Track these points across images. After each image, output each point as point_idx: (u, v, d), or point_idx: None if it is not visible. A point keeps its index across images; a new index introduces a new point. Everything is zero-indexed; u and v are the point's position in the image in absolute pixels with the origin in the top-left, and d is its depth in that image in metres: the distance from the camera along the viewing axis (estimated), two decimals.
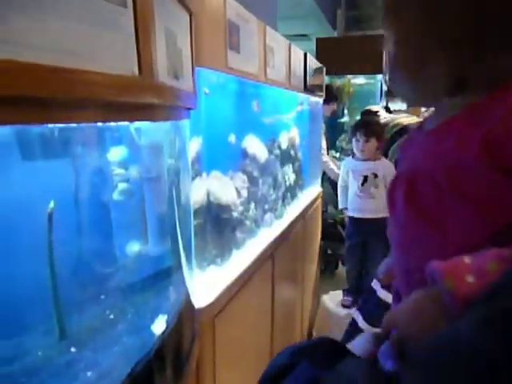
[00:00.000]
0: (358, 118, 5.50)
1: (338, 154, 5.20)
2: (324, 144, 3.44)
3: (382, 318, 0.55)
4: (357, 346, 0.58)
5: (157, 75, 0.62)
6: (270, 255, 1.67)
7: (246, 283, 1.40)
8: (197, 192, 1.15)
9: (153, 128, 0.76)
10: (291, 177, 2.13)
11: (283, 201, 2.02)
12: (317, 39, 4.96)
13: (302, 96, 2.35)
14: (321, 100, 2.95)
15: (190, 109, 0.90)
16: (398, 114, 4.31)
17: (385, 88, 6.00)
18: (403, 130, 2.76)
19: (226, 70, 1.19)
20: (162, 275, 0.95)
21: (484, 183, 0.50)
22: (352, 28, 7.42)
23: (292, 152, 2.18)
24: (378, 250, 2.31)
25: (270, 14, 3.20)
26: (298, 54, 2.07)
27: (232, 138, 1.43)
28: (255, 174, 1.67)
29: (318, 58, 3.22)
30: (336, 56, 4.78)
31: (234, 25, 1.23)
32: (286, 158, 2.09)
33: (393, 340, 0.51)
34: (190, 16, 0.89)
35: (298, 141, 2.27)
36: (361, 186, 2.42)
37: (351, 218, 2.58)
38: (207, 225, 1.25)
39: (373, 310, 1.54)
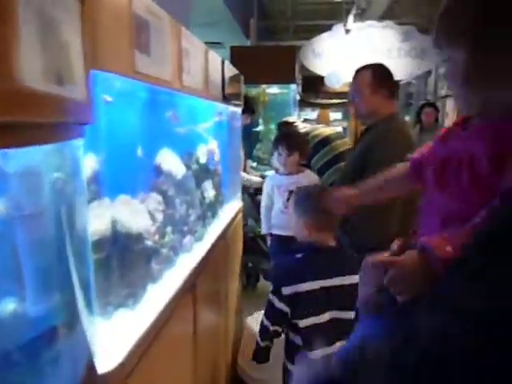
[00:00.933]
0: (273, 127, 5.52)
1: (255, 164, 5.13)
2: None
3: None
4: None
5: (21, 79, 0.41)
6: (191, 285, 1.47)
7: (164, 325, 1.19)
8: (97, 221, 0.92)
9: (26, 151, 0.54)
10: (211, 193, 1.95)
11: (203, 220, 1.83)
12: (231, 47, 4.86)
13: (221, 106, 2.19)
14: (239, 110, 2.81)
15: (84, 123, 0.69)
16: (311, 123, 4.36)
17: (298, 97, 6.10)
18: (325, 139, 2.72)
19: (133, 75, 0.98)
20: (49, 340, 0.71)
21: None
22: (264, 38, 7.46)
23: (211, 166, 2.00)
24: None
25: (184, 17, 3.01)
26: (215, 60, 1.90)
27: (142, 154, 1.22)
28: (171, 192, 1.47)
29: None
30: (250, 65, 4.70)
31: (142, 21, 1.03)
32: (204, 172, 1.91)
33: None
34: (82, 2, 0.67)
35: (217, 153, 2.10)
36: (286, 201, 2.30)
37: (275, 236, 2.45)
38: (112, 260, 1.03)
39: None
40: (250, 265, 3.80)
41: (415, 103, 8.82)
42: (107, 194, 0.95)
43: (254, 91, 5.23)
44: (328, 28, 6.42)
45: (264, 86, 5.36)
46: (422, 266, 0.74)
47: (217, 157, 2.09)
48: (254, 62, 4.74)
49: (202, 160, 1.84)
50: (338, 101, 8.97)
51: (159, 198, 1.36)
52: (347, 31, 6.45)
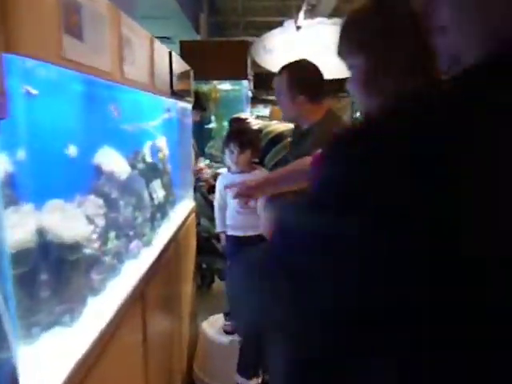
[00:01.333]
0: (225, 123, 5.41)
1: (207, 161, 5.01)
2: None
3: None
4: None
5: None
6: (139, 294, 1.36)
7: (109, 340, 1.07)
8: (17, 231, 0.79)
9: None
10: (160, 193, 1.83)
11: (152, 223, 1.71)
12: (181, 42, 4.70)
13: (169, 101, 2.07)
14: (189, 106, 2.69)
15: None
16: (264, 119, 4.27)
17: (250, 94, 6.04)
18: (278, 136, 2.65)
19: (61, 63, 0.86)
20: None
21: None
22: (215, 34, 7.34)
23: (160, 164, 1.88)
24: None
25: (127, 7, 2.84)
26: (161, 51, 1.78)
27: (75, 154, 1.09)
28: (114, 194, 1.34)
29: None
30: (201, 60, 4.58)
31: (72, 0, 0.90)
32: (152, 171, 1.79)
33: None
34: None
35: (166, 151, 1.98)
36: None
37: (231, 237, 2.35)
38: (40, 274, 0.90)
39: None
40: (204, 266, 3.70)
41: None
42: (32, 199, 0.82)
43: (205, 87, 5.11)
44: (279, 25, 6.39)
45: (215, 82, 5.25)
46: None
47: (165, 154, 1.97)
48: (204, 57, 4.62)
49: (149, 158, 1.72)
50: None
51: (99, 201, 1.24)
52: (298, 28, 6.45)
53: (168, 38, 6.15)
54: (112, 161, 1.33)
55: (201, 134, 5.14)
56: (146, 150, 1.71)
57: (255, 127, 2.95)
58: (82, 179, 1.20)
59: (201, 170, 3.48)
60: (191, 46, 4.83)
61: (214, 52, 4.82)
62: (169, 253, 1.79)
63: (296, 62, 1.90)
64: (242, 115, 3.40)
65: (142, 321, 1.40)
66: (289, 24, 6.56)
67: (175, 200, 2.17)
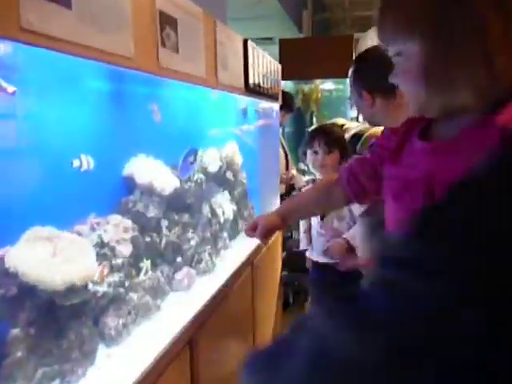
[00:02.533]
0: None
1: (306, 167, 4.67)
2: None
3: None
4: None
5: None
6: (186, 342, 1.07)
7: None
8: None
9: None
10: (228, 208, 1.54)
11: (215, 245, 1.43)
12: (280, 40, 4.44)
13: (245, 99, 1.78)
14: (276, 105, 2.37)
15: None
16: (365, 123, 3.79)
17: None
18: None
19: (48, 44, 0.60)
20: None
21: None
22: (319, 32, 6.98)
23: (229, 174, 1.59)
24: None
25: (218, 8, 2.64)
26: (231, 37, 1.49)
27: (87, 162, 0.84)
28: (152, 213, 1.07)
29: (281, 61, 2.68)
30: (302, 59, 4.27)
31: None
32: (216, 183, 1.51)
33: None
34: None
35: (238, 158, 1.69)
36: (320, 220, 1.81)
37: (314, 263, 1.94)
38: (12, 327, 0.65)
39: None
40: (296, 283, 3.35)
41: None
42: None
43: (306, 87, 4.78)
44: None
45: (318, 81, 4.89)
46: None
47: (238, 162, 1.68)
48: (305, 55, 4.31)
49: (212, 167, 1.44)
50: None
51: (126, 222, 0.97)
52: None
53: (269, 39, 5.94)
54: (151, 171, 1.07)
55: (298, 139, 4.82)
56: (207, 158, 1.43)
57: (355, 130, 2.54)
58: (99, 194, 0.94)
59: (293, 177, 3.14)
60: (291, 44, 4.54)
61: (317, 50, 4.48)
62: (239, 282, 1.48)
63: (361, 56, 1.51)
64: (339, 120, 2.96)
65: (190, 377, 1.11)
66: None
67: (252, 215, 1.86)
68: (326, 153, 1.73)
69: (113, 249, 0.93)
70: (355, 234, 1.65)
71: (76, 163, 0.87)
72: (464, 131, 0.64)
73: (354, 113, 5.35)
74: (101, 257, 0.90)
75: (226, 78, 1.38)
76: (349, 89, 5.15)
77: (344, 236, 1.70)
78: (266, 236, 1.05)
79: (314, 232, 1.84)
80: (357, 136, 2.45)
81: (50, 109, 0.83)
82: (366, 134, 2.39)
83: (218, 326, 1.30)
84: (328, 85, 5.06)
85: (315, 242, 1.84)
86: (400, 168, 0.76)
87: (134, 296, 0.97)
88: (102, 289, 0.88)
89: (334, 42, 4.88)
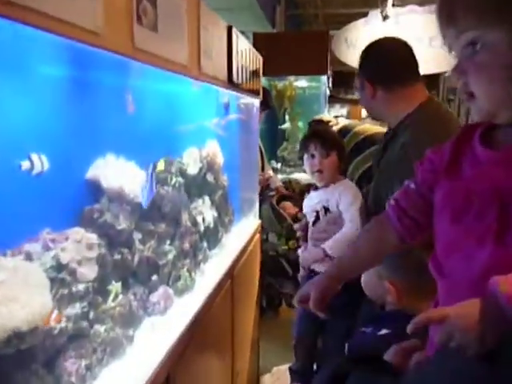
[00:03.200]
0: (300, 124, 4.90)
1: (279, 165, 4.53)
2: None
3: None
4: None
5: None
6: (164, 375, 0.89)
7: None
8: None
9: None
10: (208, 215, 1.37)
11: (194, 258, 1.25)
12: (254, 34, 4.28)
13: (226, 93, 1.60)
14: (256, 101, 2.21)
15: None
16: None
17: (328, 92, 5.47)
18: (368, 140, 2.08)
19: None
20: None
21: None
22: (292, 28, 6.87)
23: (209, 177, 1.42)
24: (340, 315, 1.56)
25: None
26: (215, 23, 1.31)
27: (41, 163, 0.65)
28: (123, 224, 0.89)
29: None
30: (275, 54, 4.12)
31: None
32: (196, 187, 1.33)
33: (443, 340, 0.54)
34: None
35: (219, 158, 1.51)
36: (312, 225, 1.67)
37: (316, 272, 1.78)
38: None
39: None
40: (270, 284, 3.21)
41: (456, 99, 7.98)
42: None
43: (280, 84, 4.65)
44: (362, 17, 5.75)
45: (291, 78, 4.77)
46: (486, 308, 0.52)
47: (219, 163, 1.51)
48: (279, 51, 4.16)
49: (192, 169, 1.26)
50: None
51: (91, 237, 0.79)
52: (385, 17, 5.76)
53: (242, 33, 5.77)
54: (120, 174, 0.88)
55: (271, 136, 4.68)
56: (187, 159, 1.24)
57: (338, 126, 2.41)
58: (55, 203, 0.75)
59: (270, 178, 2.99)
60: (265, 38, 4.38)
61: (291, 45, 4.35)
62: (220, 297, 1.31)
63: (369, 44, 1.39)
64: (325, 117, 2.84)
65: None
66: (374, 14, 5.90)
67: (232, 220, 1.69)
68: (324, 156, 1.60)
69: (73, 272, 0.74)
70: (334, 244, 1.56)
71: (25, 165, 0.68)
72: None
73: (328, 111, 5.26)
74: (57, 284, 0.71)
75: (209, 67, 1.20)
76: (323, 86, 4.99)
77: (322, 246, 1.59)
78: (322, 305, 0.87)
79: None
80: (343, 130, 2.31)
81: None
82: (354, 130, 2.26)
83: (197, 355, 1.13)
84: (302, 82, 4.96)
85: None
86: (459, 182, 0.66)
87: (100, 329, 0.79)
88: (58, 325, 0.69)
89: (309, 38, 4.78)
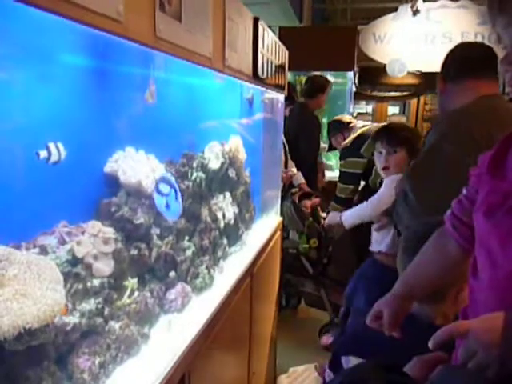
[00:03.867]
0: (325, 120, 4.82)
1: None
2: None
3: None
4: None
5: None
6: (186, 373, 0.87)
7: None
8: None
9: None
10: (229, 212, 1.34)
11: (213, 255, 1.23)
12: (280, 28, 4.23)
13: (250, 88, 1.57)
14: (281, 97, 2.16)
15: None
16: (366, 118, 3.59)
17: (354, 89, 5.37)
18: None
19: None
20: None
21: None
22: (319, 23, 6.78)
23: (231, 173, 1.39)
24: None
25: None
26: (241, 14, 1.27)
27: (58, 152, 0.63)
28: (141, 219, 0.87)
29: None
30: (302, 49, 4.05)
31: None
32: (218, 183, 1.30)
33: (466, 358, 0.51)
34: None
35: (242, 155, 1.48)
36: None
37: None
38: None
39: None
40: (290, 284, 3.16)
41: None
42: None
43: (305, 79, 4.58)
44: (391, 12, 5.61)
45: (317, 73, 4.71)
46: (510, 322, 0.48)
47: (241, 159, 1.47)
48: (306, 46, 4.11)
49: (214, 164, 1.23)
50: (398, 94, 8.09)
51: (108, 230, 0.77)
52: (415, 12, 5.62)
53: (269, 27, 5.71)
54: (140, 169, 0.86)
55: None
56: (209, 153, 1.22)
57: (362, 129, 2.34)
58: (72, 196, 0.73)
59: (293, 175, 2.94)
60: (291, 33, 4.33)
61: (317, 40, 4.29)
62: (239, 295, 1.28)
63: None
64: (345, 117, 2.75)
65: None
66: (404, 9, 5.76)
67: (253, 217, 1.66)
68: (390, 153, 1.58)
69: (88, 266, 0.72)
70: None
71: (43, 154, 0.66)
72: None
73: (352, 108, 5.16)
74: (72, 278, 0.70)
75: (234, 60, 1.17)
76: (349, 82, 4.89)
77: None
78: (396, 324, 0.83)
79: None
80: (362, 137, 2.26)
81: (9, 86, 0.61)
82: (373, 134, 2.20)
83: (213, 354, 1.10)
84: (328, 78, 4.88)
85: None
86: (502, 182, 0.63)
87: (115, 326, 0.77)
88: (72, 320, 0.67)
89: (337, 33, 4.70)
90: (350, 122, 2.58)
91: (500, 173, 0.65)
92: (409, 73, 5.60)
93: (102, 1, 0.59)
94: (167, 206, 0.98)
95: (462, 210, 0.79)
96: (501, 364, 0.49)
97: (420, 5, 5.56)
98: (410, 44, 5.55)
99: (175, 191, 1.01)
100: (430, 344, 0.54)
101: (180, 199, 1.02)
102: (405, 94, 7.86)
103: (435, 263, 0.88)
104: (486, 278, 0.62)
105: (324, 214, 2.66)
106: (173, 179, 1.00)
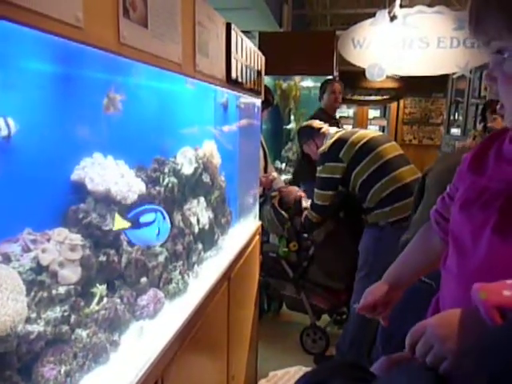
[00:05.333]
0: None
1: (283, 165, 4.49)
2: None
3: None
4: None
5: None
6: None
7: None
8: None
9: None
10: (203, 217, 1.34)
11: (188, 260, 1.23)
12: (260, 33, 4.25)
13: (224, 92, 1.58)
14: (258, 101, 2.18)
15: None
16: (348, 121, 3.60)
17: None
18: (364, 147, 2.09)
19: None
20: None
21: None
22: (299, 28, 6.83)
23: (205, 177, 1.39)
24: None
25: None
26: (212, 19, 1.28)
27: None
28: (109, 226, 0.87)
29: None
30: (282, 54, 4.09)
31: None
32: (191, 187, 1.30)
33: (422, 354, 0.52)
34: None
35: (217, 160, 1.48)
36: None
37: None
38: None
39: None
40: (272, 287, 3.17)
41: (465, 101, 7.88)
42: None
43: (284, 84, 4.62)
44: (369, 17, 5.70)
45: (297, 78, 4.74)
46: (466, 317, 0.50)
47: (216, 163, 1.48)
48: (286, 51, 4.14)
49: (187, 170, 1.23)
50: (378, 98, 8.20)
51: (75, 237, 0.76)
52: (392, 18, 5.71)
53: (248, 32, 5.73)
54: (109, 176, 0.86)
55: (276, 136, 4.65)
56: (181, 159, 1.22)
57: (335, 137, 2.33)
58: (37, 203, 0.72)
59: (273, 180, 2.94)
60: (271, 38, 4.36)
61: (297, 45, 4.33)
62: (215, 300, 1.28)
63: None
64: (314, 123, 2.63)
65: None
66: (382, 15, 5.85)
67: (230, 222, 1.67)
68: None
69: (54, 274, 0.72)
70: None
71: None
72: None
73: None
74: (36, 286, 0.69)
75: (205, 66, 1.17)
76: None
77: None
78: (386, 312, 0.92)
79: None
80: (340, 141, 2.26)
81: None
82: (349, 140, 2.22)
83: (189, 359, 1.10)
84: (307, 82, 4.93)
85: None
86: (480, 177, 0.67)
87: (82, 333, 0.76)
88: (36, 328, 0.66)
89: (316, 38, 4.75)
90: (321, 128, 2.55)
91: (480, 169, 0.68)
92: (388, 77, 5.69)
93: (60, 7, 0.59)
94: (158, 232, 0.99)
95: (444, 206, 0.84)
96: (455, 356, 0.50)
97: (397, 11, 5.65)
98: (388, 49, 5.63)
99: (160, 212, 1.01)
100: (406, 349, 0.56)
101: (166, 215, 1.03)
102: (385, 97, 7.98)
103: (421, 255, 0.94)
104: (456, 269, 0.65)
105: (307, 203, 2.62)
106: (151, 205, 1.00)
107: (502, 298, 0.48)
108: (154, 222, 0.98)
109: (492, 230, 0.58)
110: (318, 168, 2.33)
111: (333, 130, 2.51)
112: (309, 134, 2.57)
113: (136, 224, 0.95)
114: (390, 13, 5.75)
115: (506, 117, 0.61)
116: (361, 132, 2.29)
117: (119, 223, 0.90)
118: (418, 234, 0.97)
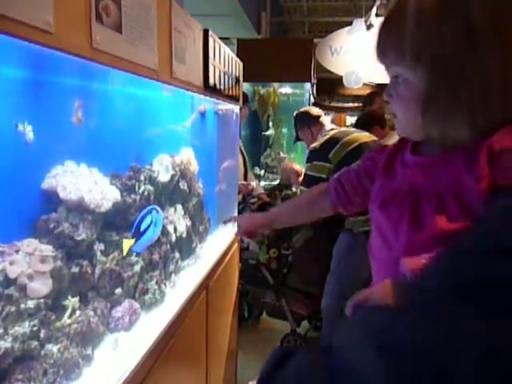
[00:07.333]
0: (284, 130, 4.86)
1: (262, 172, 4.50)
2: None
3: None
4: None
5: None
6: None
7: None
8: None
9: None
10: (180, 225, 1.32)
11: (165, 270, 1.20)
12: (238, 40, 4.26)
13: (202, 99, 1.56)
14: (236, 108, 2.17)
15: None
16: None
17: (312, 100, 5.47)
18: (362, 146, 2.09)
19: None
20: None
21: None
22: (277, 35, 6.89)
23: (183, 185, 1.37)
24: None
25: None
26: (189, 25, 1.27)
27: None
28: (82, 235, 0.84)
29: None
30: (260, 61, 4.10)
31: None
32: (168, 195, 1.28)
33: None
34: None
35: (194, 167, 1.47)
36: None
37: None
38: None
39: None
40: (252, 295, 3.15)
41: None
42: None
43: (263, 90, 4.63)
44: (347, 25, 5.79)
45: (275, 85, 4.77)
46: (397, 282, 0.61)
47: (193, 170, 1.46)
48: (264, 57, 4.15)
49: (163, 177, 1.21)
50: (355, 104, 8.32)
51: (45, 248, 0.73)
52: (369, 27, 5.82)
53: (227, 39, 5.74)
54: (82, 184, 0.83)
55: (255, 142, 4.65)
56: (157, 166, 1.20)
57: (331, 133, 2.32)
58: (5, 213, 0.70)
59: (253, 188, 2.92)
60: (249, 44, 4.37)
61: (275, 52, 4.35)
62: (194, 310, 1.26)
63: None
64: (312, 110, 2.59)
65: None
66: (358, 23, 5.95)
67: (208, 230, 1.65)
68: None
69: (23, 287, 0.69)
70: None
71: None
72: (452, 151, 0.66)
73: None
74: (3, 300, 0.66)
75: (182, 72, 1.16)
76: (307, 94, 4.95)
77: None
78: (251, 234, 1.26)
79: None
80: (331, 141, 2.25)
81: None
82: (343, 140, 2.22)
83: (167, 370, 1.07)
84: (285, 89, 4.96)
85: None
86: (391, 180, 0.78)
87: (52, 349, 0.73)
88: (3, 345, 0.63)
89: (294, 45, 4.78)
90: (319, 116, 2.50)
91: (390, 174, 0.80)
92: (365, 84, 5.77)
93: (30, 12, 0.57)
94: (155, 227, 1.05)
95: (349, 179, 0.98)
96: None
97: (373, 19, 5.75)
98: (365, 56, 5.71)
99: (154, 209, 1.03)
100: (347, 312, 0.65)
101: (160, 209, 1.08)
102: (362, 104, 8.09)
103: (308, 210, 1.12)
104: (384, 258, 0.77)
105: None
106: (143, 211, 1.02)
107: (421, 263, 0.60)
108: (151, 223, 1.01)
109: (408, 224, 0.69)
110: (307, 164, 2.30)
111: (329, 124, 2.49)
112: (305, 120, 2.53)
113: (139, 235, 0.97)
114: (366, 21, 5.85)
115: (398, 127, 0.73)
116: (355, 134, 2.27)
117: (127, 245, 0.92)
118: (312, 190, 1.14)
